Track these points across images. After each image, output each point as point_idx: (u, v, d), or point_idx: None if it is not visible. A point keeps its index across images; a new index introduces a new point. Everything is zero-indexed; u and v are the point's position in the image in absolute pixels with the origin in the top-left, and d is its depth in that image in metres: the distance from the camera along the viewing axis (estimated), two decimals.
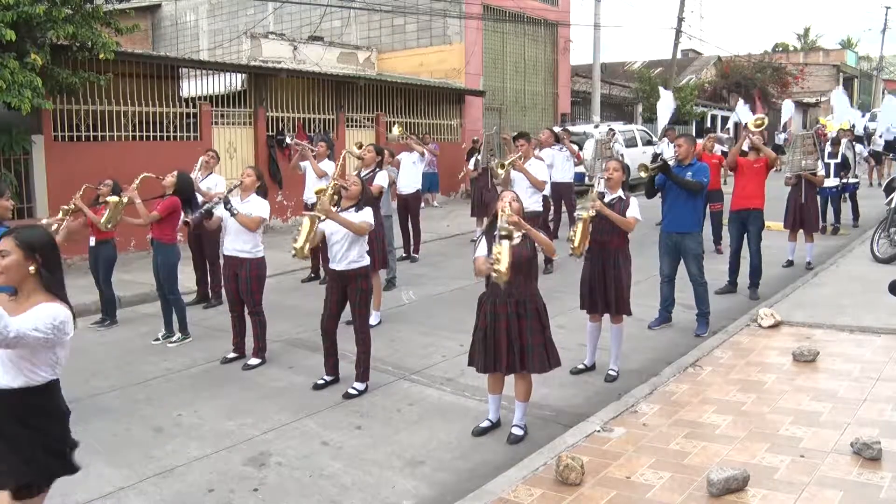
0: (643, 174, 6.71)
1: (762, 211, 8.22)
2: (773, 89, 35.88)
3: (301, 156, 9.31)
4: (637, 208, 5.82)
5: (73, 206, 7.24)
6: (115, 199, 7.03)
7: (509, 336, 4.58)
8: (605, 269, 5.76)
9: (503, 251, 4.29)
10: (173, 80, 12.82)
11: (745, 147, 8.36)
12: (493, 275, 4.34)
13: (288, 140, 10.77)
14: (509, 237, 4.32)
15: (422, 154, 11.01)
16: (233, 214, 6.10)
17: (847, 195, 13.09)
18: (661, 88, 16.96)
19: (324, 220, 5.51)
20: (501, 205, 4.56)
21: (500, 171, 8.15)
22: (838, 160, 11.99)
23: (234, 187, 6.36)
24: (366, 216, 5.62)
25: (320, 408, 5.38)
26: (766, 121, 8.69)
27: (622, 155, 15.35)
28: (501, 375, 4.78)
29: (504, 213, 4.44)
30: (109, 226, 7.09)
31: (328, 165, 9.22)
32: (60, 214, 7.22)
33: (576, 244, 5.65)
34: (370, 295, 5.82)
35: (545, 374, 4.86)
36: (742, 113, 16.42)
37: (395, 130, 10.74)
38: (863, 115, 24.06)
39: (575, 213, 5.79)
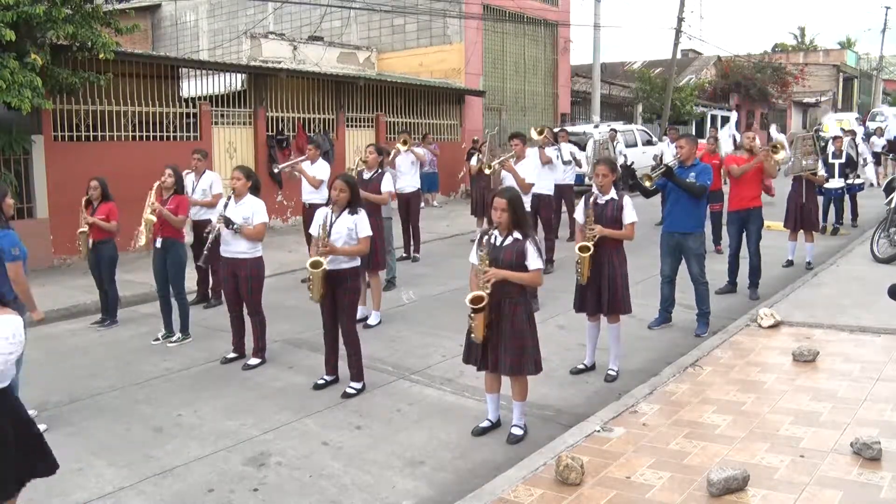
0: (647, 183, 6.70)
1: (760, 209, 8.22)
2: (773, 89, 35.90)
3: (293, 170, 9.29)
4: (632, 209, 5.79)
5: (86, 228, 7.31)
6: (151, 218, 6.94)
7: (487, 335, 4.61)
8: (601, 269, 5.75)
9: (476, 324, 4.55)
10: (173, 80, 12.83)
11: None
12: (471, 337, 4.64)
13: (275, 170, 10.74)
14: (481, 310, 4.51)
15: (420, 160, 11.01)
16: (236, 231, 6.12)
17: (848, 196, 13.03)
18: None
19: (329, 259, 5.52)
20: (494, 216, 4.60)
21: (486, 171, 8.16)
22: (842, 160, 11.89)
23: (228, 198, 6.33)
24: (362, 224, 5.60)
25: (320, 408, 5.38)
26: (785, 146, 8.74)
27: (625, 155, 15.33)
28: (497, 375, 4.78)
29: (482, 266, 4.55)
30: (144, 242, 7.15)
31: (323, 167, 9.18)
32: (82, 240, 7.36)
33: (582, 277, 5.74)
34: (357, 295, 5.81)
35: (545, 373, 4.87)
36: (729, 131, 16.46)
37: (399, 145, 10.68)
38: (858, 117, 24.10)
39: (577, 247, 5.77)
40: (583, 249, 5.69)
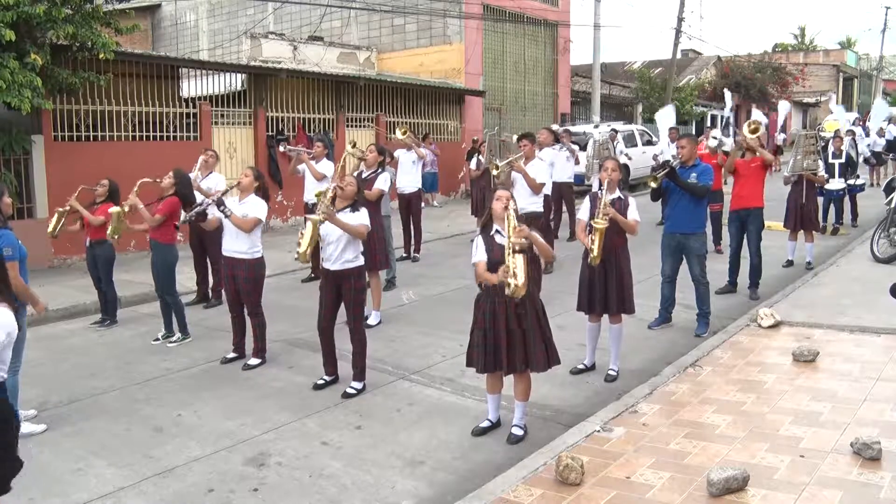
0: (653, 184, 6.71)
1: (762, 209, 8.22)
2: (773, 89, 35.90)
3: (298, 160, 9.28)
4: (636, 209, 5.82)
5: (68, 208, 7.30)
6: (116, 209, 7.04)
7: (510, 335, 4.56)
8: (607, 269, 5.74)
9: (519, 265, 4.23)
10: (173, 80, 12.83)
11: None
12: (508, 288, 4.25)
13: (281, 149, 10.69)
14: (524, 251, 4.28)
15: (421, 157, 10.99)
16: (226, 216, 6.06)
17: (849, 196, 13.01)
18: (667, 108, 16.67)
19: (324, 222, 5.50)
20: (500, 205, 4.53)
21: (494, 171, 8.12)
22: (842, 160, 11.88)
23: (231, 188, 6.34)
24: (363, 218, 5.63)
25: (320, 408, 5.38)
26: (762, 125, 8.58)
27: (627, 155, 15.33)
28: (500, 375, 4.77)
29: (510, 222, 4.37)
30: (116, 237, 7.17)
31: (327, 166, 9.20)
32: (56, 217, 7.29)
33: (595, 254, 5.64)
34: (364, 294, 5.82)
35: (545, 373, 4.86)
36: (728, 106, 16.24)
37: (399, 133, 10.77)
38: (858, 117, 24.04)
39: (592, 221, 5.71)
40: (597, 224, 5.65)
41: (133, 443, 4.87)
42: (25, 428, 4.87)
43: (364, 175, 7.84)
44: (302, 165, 9.23)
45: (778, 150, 23.86)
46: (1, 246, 4.64)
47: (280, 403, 5.49)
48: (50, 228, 7.40)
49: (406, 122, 16.73)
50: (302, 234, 5.53)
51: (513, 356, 4.58)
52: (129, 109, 11.62)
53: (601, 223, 5.61)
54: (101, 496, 4.18)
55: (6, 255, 4.67)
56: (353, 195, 5.65)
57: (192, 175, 7.88)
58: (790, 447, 4.28)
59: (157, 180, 7.19)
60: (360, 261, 5.70)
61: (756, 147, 8.16)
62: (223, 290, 7.20)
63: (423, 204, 11.93)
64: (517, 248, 4.26)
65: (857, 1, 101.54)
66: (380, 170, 7.87)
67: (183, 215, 6.25)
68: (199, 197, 8.06)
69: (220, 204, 6.07)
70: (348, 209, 5.61)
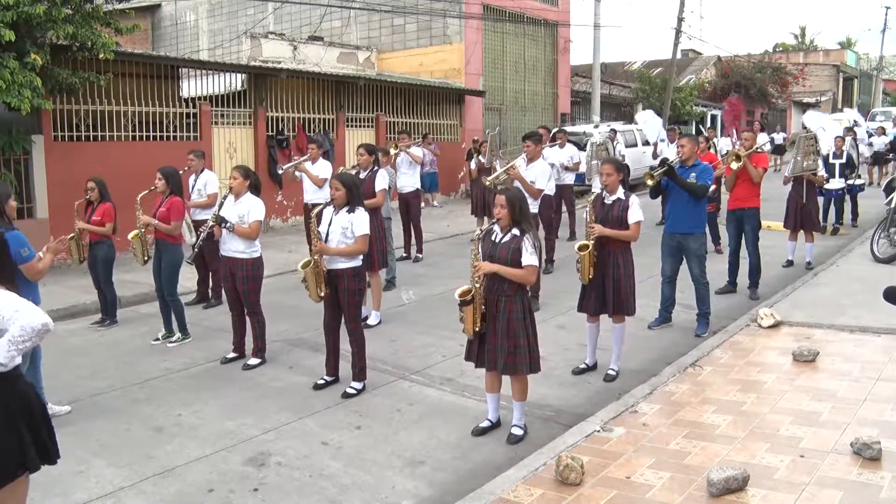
0: (649, 182, 6.71)
1: (758, 210, 8.23)
2: (774, 89, 35.90)
3: (296, 168, 9.24)
4: (638, 209, 5.76)
5: (78, 232, 7.33)
6: (134, 233, 7.15)
7: (480, 329, 4.64)
8: (606, 269, 5.75)
9: (465, 316, 4.63)
10: (173, 80, 12.83)
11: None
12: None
13: (279, 171, 10.61)
14: (466, 303, 4.58)
15: (417, 162, 11.00)
16: (232, 231, 6.11)
17: (849, 196, 13.01)
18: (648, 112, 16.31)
19: (310, 264, 5.58)
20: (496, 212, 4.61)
21: (486, 182, 8.07)
22: (843, 160, 11.88)
23: (224, 198, 6.33)
24: (359, 226, 5.55)
25: (320, 408, 5.38)
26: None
27: (623, 156, 15.31)
28: (496, 373, 4.78)
29: (473, 275, 4.62)
30: (146, 258, 7.25)
31: (325, 166, 9.15)
32: (74, 247, 7.34)
33: (584, 276, 5.75)
34: (360, 295, 5.77)
35: (546, 373, 4.86)
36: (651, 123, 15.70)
37: (392, 151, 10.70)
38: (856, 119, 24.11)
39: (575, 246, 5.84)
40: (581, 248, 5.71)
41: (133, 443, 4.87)
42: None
43: (361, 177, 7.79)
44: (300, 172, 9.21)
45: (780, 150, 23.93)
46: (18, 248, 4.63)
47: (280, 403, 5.49)
48: (76, 259, 7.52)
49: (406, 123, 16.74)
50: (304, 283, 5.63)
51: (481, 352, 4.72)
52: (129, 109, 11.61)
53: (585, 247, 5.69)
54: (101, 496, 4.18)
55: (24, 255, 4.69)
56: (344, 198, 5.62)
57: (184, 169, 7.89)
58: (790, 447, 4.29)
59: (153, 188, 7.16)
60: (355, 262, 5.64)
61: (742, 156, 8.12)
62: (223, 290, 7.20)
63: (422, 204, 11.91)
64: (460, 299, 4.60)
65: (857, 1, 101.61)
66: (375, 168, 7.80)
67: (191, 237, 6.45)
68: (197, 213, 8.19)
69: (222, 223, 6.13)
70: (345, 210, 5.61)
